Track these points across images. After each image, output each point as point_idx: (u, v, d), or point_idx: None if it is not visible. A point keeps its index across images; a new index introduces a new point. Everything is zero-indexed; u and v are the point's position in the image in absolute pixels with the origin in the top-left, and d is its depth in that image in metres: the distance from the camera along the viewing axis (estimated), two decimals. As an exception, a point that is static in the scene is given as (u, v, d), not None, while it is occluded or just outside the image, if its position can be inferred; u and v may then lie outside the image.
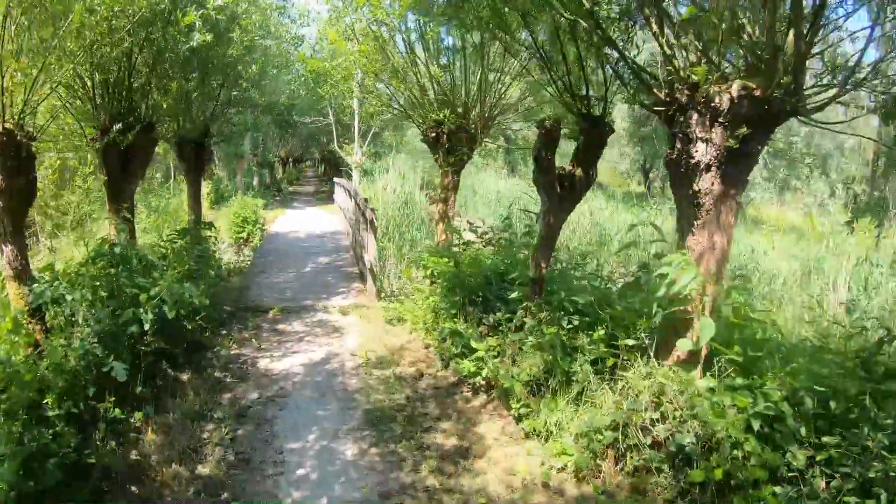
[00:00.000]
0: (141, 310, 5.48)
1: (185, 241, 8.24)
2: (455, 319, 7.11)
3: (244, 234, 20.35)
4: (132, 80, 7.29)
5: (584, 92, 5.73)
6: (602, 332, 5.42)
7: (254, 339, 7.61)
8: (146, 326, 5.55)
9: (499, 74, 7.94)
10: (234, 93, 9.71)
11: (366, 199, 11.14)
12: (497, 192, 25.79)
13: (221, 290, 9.75)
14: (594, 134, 5.75)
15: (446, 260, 8.33)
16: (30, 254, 8.63)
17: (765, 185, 22.67)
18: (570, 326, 5.68)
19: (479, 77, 7.99)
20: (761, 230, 20.47)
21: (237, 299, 9.37)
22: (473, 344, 5.91)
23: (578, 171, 5.76)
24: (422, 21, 7.58)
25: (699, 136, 3.65)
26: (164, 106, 7.65)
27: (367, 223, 9.86)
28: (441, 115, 7.76)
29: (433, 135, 8.34)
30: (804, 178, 22.12)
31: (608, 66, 5.49)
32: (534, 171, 5.79)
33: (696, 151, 3.66)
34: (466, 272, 7.36)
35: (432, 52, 8.30)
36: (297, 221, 21.10)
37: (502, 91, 8.14)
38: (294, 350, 7.34)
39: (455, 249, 8.71)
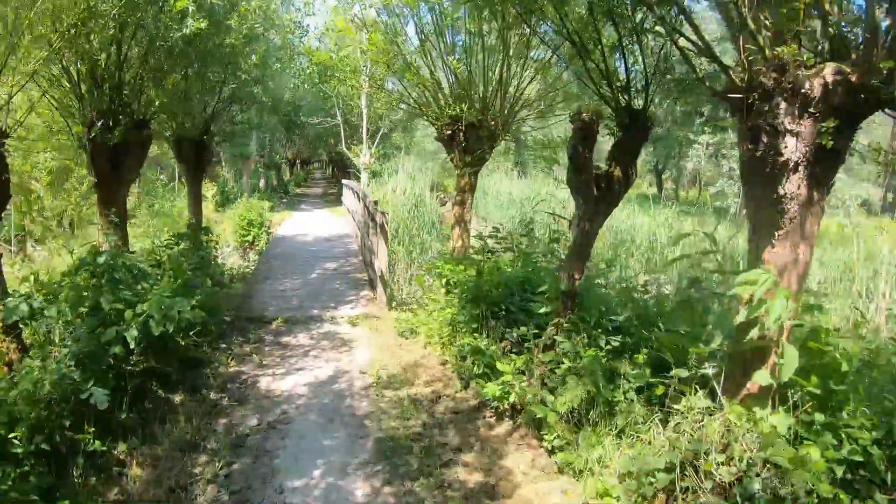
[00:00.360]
0: (126, 326, 4.90)
1: (183, 246, 7.64)
2: (475, 335, 6.49)
3: (249, 238, 19.84)
4: (122, 71, 6.72)
5: (622, 81, 5.11)
6: (646, 355, 4.80)
7: (255, 355, 7.01)
8: (132, 345, 4.97)
9: (522, 62, 7.27)
10: (233, 85, 9.09)
11: (375, 202, 10.53)
12: (509, 193, 25.16)
13: (222, 297, 9.15)
14: (635, 129, 5.12)
15: (463, 268, 7.71)
16: (14, 263, 8.06)
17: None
18: (608, 348, 5.05)
19: (499, 67, 7.34)
20: None
21: (239, 308, 8.78)
22: (499, 366, 5.26)
23: (617, 171, 5.12)
24: (438, 6, 6.97)
25: (788, 128, 3.00)
26: (159, 101, 7.06)
27: (378, 228, 9.25)
28: (458, 110, 7.13)
29: (448, 132, 7.73)
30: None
31: (651, 52, 4.87)
32: (568, 170, 5.15)
33: (786, 147, 3.01)
34: (488, 282, 6.73)
35: (448, 42, 7.68)
36: (304, 224, 20.54)
37: (525, 83, 7.48)
38: (298, 367, 6.73)
39: (474, 256, 8.09)
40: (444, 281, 8.01)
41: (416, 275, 8.83)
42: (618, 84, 5.13)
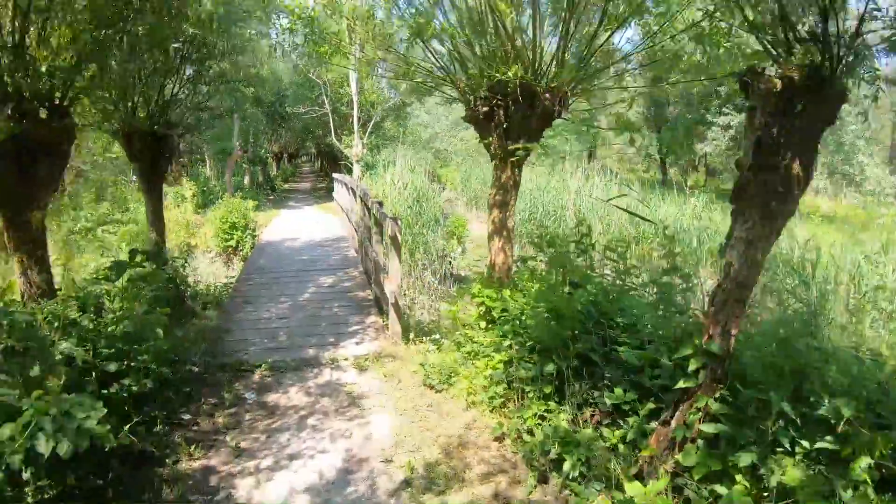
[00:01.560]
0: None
1: (128, 278, 5.55)
2: (548, 401, 4.52)
3: (233, 242, 17.80)
4: (24, 37, 4.65)
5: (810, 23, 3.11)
6: (866, 461, 2.86)
7: (230, 432, 4.96)
8: (24, 473, 2.98)
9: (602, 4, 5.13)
10: (195, 55, 6.98)
11: (380, 203, 8.49)
12: (529, 191, 23.00)
13: (193, 333, 7.13)
14: (824, 99, 3.11)
15: (512, 295, 5.72)
16: None
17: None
18: (804, 451, 3.07)
19: (564, 8, 5.20)
20: (811, 221, 17.87)
21: (211, 350, 6.73)
22: (628, 488, 3.21)
23: (795, 167, 3.11)
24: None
25: None
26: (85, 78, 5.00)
27: (388, 239, 7.23)
28: (507, 73, 5.03)
29: (485, 109, 5.66)
30: (855, 163, 19.43)
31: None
32: (741, 165, 3.15)
33: None
34: (566, 319, 4.72)
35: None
36: (292, 225, 18.42)
37: (607, 33, 5.32)
38: (292, 451, 4.69)
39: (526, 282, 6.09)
40: (481, 309, 6.01)
41: (452, 310, 6.79)
42: (797, 28, 3.12)
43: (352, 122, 24.14)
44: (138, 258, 5.64)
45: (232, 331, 7.47)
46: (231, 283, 10.60)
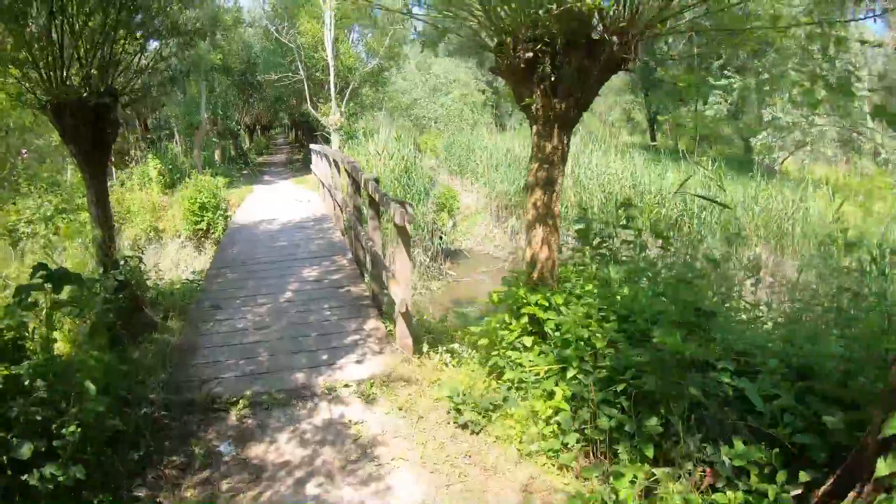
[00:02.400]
0: None
1: (52, 304, 4.03)
2: (650, 463, 3.20)
3: (203, 225, 16.23)
4: None
5: None
6: None
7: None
8: None
9: None
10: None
11: (376, 179, 7.01)
12: (506, 151, 21.49)
13: (150, 357, 5.67)
14: None
15: (566, 302, 4.36)
16: None
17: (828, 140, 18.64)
18: None
19: None
20: (821, 192, 16.65)
21: (174, 380, 5.28)
22: None
23: None
24: None
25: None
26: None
27: (395, 230, 5.80)
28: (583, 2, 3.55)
29: (528, 57, 4.20)
30: (865, 129, 18.17)
31: None
32: None
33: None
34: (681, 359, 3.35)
35: None
36: (268, 203, 16.81)
37: None
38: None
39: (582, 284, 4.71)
40: (525, 321, 4.62)
41: (470, 338, 5.41)
42: None
43: (328, 89, 22.39)
44: (64, 276, 4.08)
45: (199, 349, 5.99)
46: (200, 278, 9.08)
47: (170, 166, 21.25)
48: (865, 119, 18.53)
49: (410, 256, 5.62)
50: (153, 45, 7.05)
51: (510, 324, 4.68)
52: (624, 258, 5.38)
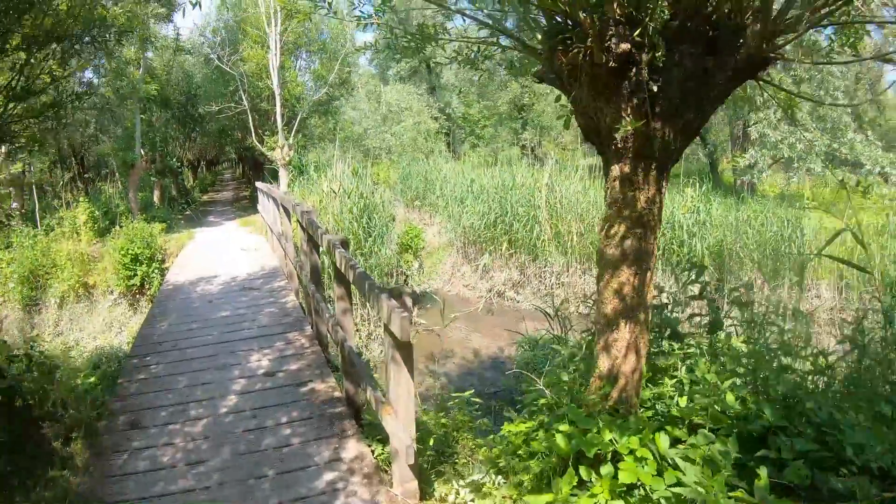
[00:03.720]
0: None
1: None
2: None
3: (136, 280, 14.14)
4: None
5: None
6: None
7: None
8: None
9: None
10: None
11: (343, 242, 5.20)
12: (470, 182, 19.64)
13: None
14: None
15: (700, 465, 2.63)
16: None
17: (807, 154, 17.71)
18: None
19: None
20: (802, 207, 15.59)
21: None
22: None
23: None
24: None
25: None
26: None
27: (390, 342, 4.01)
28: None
29: (621, 49, 2.49)
30: (846, 142, 17.24)
31: None
32: None
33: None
34: None
35: None
36: (210, 252, 14.66)
37: None
38: None
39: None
40: (617, 484, 2.86)
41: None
42: None
43: (274, 119, 20.44)
44: None
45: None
46: (124, 350, 7.03)
47: (104, 210, 18.90)
48: (846, 129, 17.76)
49: (413, 377, 3.78)
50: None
51: (588, 481, 2.90)
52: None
